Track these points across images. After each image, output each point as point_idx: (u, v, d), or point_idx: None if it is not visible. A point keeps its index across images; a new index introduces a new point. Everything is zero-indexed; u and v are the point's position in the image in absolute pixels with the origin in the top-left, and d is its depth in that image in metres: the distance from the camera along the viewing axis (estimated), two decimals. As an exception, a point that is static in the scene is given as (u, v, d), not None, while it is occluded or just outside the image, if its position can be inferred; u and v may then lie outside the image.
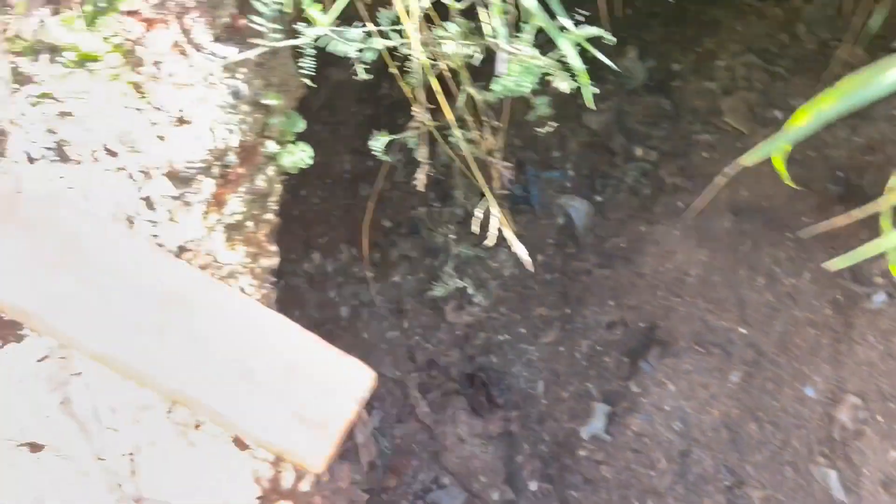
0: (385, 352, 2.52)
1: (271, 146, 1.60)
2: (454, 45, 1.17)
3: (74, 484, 1.33)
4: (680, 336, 2.26)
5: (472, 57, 1.25)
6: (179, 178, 1.34)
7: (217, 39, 1.39)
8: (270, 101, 1.54)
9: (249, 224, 1.77)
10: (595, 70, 1.23)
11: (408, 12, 1.12)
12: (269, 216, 1.80)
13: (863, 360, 2.06)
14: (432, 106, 1.49)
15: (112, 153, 1.20)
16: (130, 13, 1.23)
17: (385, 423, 2.40)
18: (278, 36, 1.19)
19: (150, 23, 1.24)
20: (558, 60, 1.12)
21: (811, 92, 2.48)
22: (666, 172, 2.58)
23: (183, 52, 1.31)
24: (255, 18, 1.13)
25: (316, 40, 1.12)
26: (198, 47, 1.34)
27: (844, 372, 2.07)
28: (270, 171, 1.69)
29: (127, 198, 1.24)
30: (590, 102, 1.14)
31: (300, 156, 1.63)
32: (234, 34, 1.46)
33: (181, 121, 1.30)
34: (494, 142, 1.62)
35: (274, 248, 1.90)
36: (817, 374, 2.09)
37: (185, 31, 1.31)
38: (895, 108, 2.38)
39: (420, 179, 1.47)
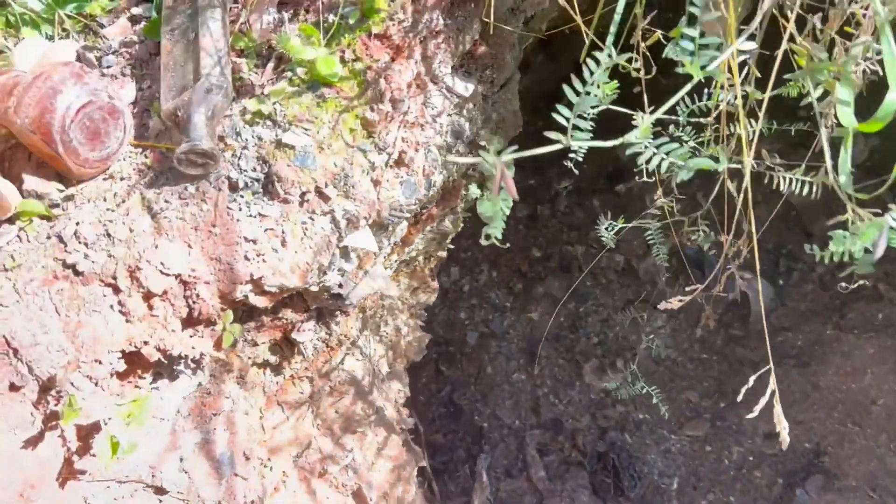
0: (507, 394, 2.31)
1: (473, 190, 1.39)
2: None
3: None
4: (850, 471, 1.97)
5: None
6: (382, 226, 1.14)
7: (456, 69, 1.18)
8: (489, 145, 1.33)
9: (420, 259, 1.58)
10: None
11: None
12: (442, 253, 1.60)
13: None
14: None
15: (324, 197, 1.01)
16: (378, 36, 1.02)
17: (491, 470, 2.20)
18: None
19: (397, 51, 1.03)
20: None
21: None
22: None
23: (421, 87, 1.10)
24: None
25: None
26: (436, 80, 1.12)
27: None
28: (459, 210, 1.49)
29: (325, 246, 1.05)
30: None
31: (500, 203, 1.41)
32: (472, 63, 1.25)
33: (400, 163, 1.10)
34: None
35: (435, 284, 1.71)
36: None
37: (427, 60, 1.10)
38: None
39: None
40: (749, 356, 2.23)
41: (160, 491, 1.13)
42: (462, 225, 1.54)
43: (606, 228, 1.22)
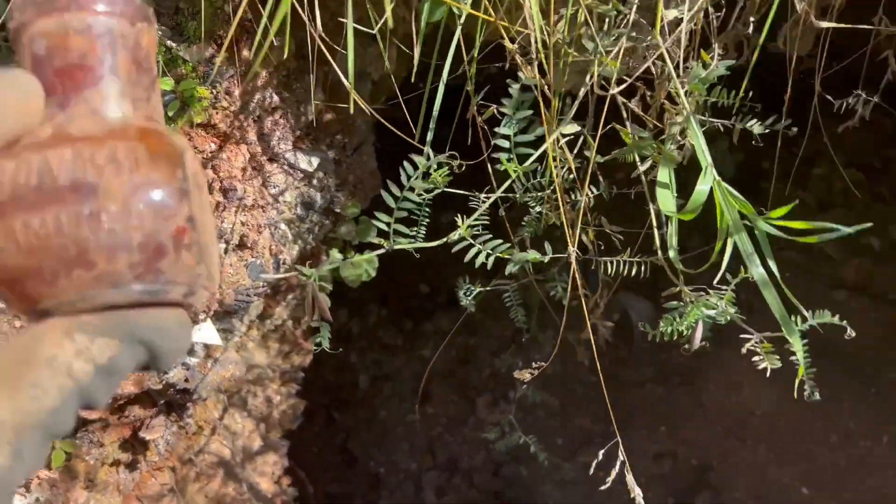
0: (402, 437, 2.29)
1: (335, 256, 1.35)
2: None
3: None
4: (734, 484, 2.03)
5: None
6: (230, 312, 1.09)
7: (300, 142, 1.14)
8: (345, 211, 1.29)
9: (289, 323, 1.53)
10: None
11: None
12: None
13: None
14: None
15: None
16: (202, 126, 0.97)
17: (390, 515, 2.17)
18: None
19: (224, 138, 0.98)
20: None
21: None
22: (739, 290, 2.33)
23: (258, 168, 1.05)
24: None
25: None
26: (275, 158, 1.08)
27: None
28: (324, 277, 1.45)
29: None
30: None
31: (365, 268, 1.38)
32: (319, 133, 1.21)
33: (242, 247, 1.05)
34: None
35: (309, 344, 1.66)
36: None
37: (264, 139, 1.05)
38: None
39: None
40: (635, 377, 2.28)
41: None
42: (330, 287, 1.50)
43: (465, 293, 1.21)
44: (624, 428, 2.20)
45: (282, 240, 1.12)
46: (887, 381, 2.11)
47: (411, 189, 0.82)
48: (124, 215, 0.32)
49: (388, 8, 0.79)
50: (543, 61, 0.82)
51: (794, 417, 2.09)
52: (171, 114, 0.95)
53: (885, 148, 2.46)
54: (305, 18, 0.83)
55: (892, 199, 2.40)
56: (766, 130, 0.89)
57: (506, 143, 0.78)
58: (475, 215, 0.80)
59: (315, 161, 1.14)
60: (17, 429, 0.29)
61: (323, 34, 0.84)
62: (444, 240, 0.85)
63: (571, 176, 0.94)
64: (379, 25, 0.81)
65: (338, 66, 0.90)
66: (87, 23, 0.35)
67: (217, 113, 0.97)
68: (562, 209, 0.92)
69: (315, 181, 1.19)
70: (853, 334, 0.84)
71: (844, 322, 0.86)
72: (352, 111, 0.87)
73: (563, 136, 0.83)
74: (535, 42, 0.80)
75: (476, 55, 0.88)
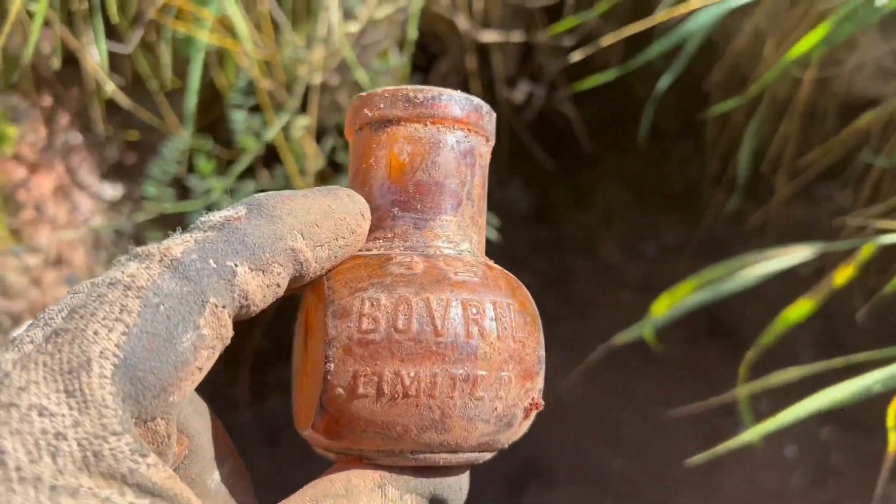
0: (258, 482, 2.43)
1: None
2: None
3: None
4: (559, 467, 2.30)
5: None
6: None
7: (105, 177, 1.37)
8: (152, 237, 1.52)
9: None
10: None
11: (302, 172, 1.15)
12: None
13: (728, 493, 2.16)
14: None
15: (-20, 300, 1.15)
16: (14, 157, 1.20)
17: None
18: (169, 203, 1.18)
19: (32, 168, 1.21)
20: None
21: (680, 227, 2.65)
22: (546, 301, 2.68)
23: (66, 194, 1.28)
24: (147, 187, 1.12)
25: (208, 206, 1.12)
26: (81, 187, 1.31)
27: (712, 502, 2.16)
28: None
29: (-8, 345, 1.17)
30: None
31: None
32: (121, 172, 1.45)
33: (60, 262, 1.26)
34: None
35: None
36: (687, 507, 2.17)
37: (71, 172, 1.28)
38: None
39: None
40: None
41: None
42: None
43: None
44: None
45: (97, 260, 1.34)
46: (671, 360, 2.47)
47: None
48: (495, 384, 0.29)
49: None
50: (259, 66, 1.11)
51: (599, 402, 2.40)
52: (-16, 148, 1.17)
53: (651, 172, 2.94)
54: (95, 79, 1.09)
55: (660, 212, 2.85)
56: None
57: (239, 125, 1.05)
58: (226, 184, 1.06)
59: (119, 192, 1.37)
60: None
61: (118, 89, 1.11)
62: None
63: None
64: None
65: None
66: (456, 137, 0.32)
67: (25, 146, 1.20)
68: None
69: (121, 210, 1.42)
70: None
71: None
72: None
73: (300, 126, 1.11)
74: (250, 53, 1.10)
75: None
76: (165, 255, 0.27)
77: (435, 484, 0.32)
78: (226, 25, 1.06)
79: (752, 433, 0.72)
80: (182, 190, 1.20)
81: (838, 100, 1.17)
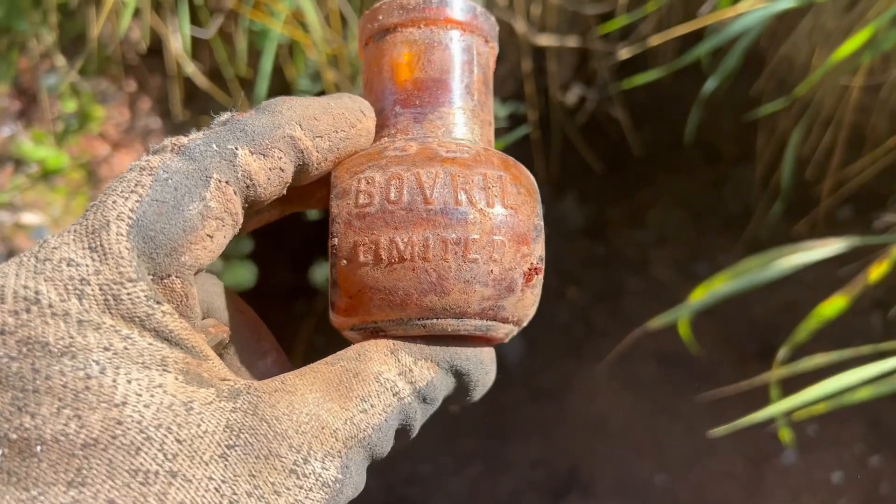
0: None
1: (216, 263, 1.65)
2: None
3: None
4: (600, 479, 2.31)
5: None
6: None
7: (178, 163, 1.47)
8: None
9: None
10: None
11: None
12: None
13: (771, 514, 2.13)
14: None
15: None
16: (99, 136, 1.30)
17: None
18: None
19: (116, 146, 1.32)
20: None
21: (736, 249, 2.65)
22: (595, 316, 2.70)
23: (144, 173, 1.38)
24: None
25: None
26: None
27: (754, 526, 2.13)
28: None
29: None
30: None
31: (244, 275, 1.68)
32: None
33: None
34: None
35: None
36: (729, 527, 2.15)
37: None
38: (808, 274, 2.57)
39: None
40: (509, 400, 2.57)
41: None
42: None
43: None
44: (503, 444, 2.49)
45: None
46: (720, 380, 2.45)
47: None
48: (488, 247, 0.31)
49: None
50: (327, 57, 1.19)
51: (645, 417, 2.41)
52: (75, 127, 1.28)
53: (706, 192, 2.94)
54: (181, 65, 1.19)
55: (715, 233, 2.85)
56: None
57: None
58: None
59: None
60: (347, 441, 0.28)
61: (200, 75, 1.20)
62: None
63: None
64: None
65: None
66: (450, 36, 0.35)
67: (110, 127, 1.31)
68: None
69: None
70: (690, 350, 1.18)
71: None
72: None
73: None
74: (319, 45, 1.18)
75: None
76: (175, 144, 0.30)
77: (451, 354, 0.32)
78: (298, 19, 1.15)
79: (769, 411, 0.75)
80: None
81: (888, 108, 1.19)
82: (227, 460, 0.26)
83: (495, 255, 0.31)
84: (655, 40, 0.99)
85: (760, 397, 2.08)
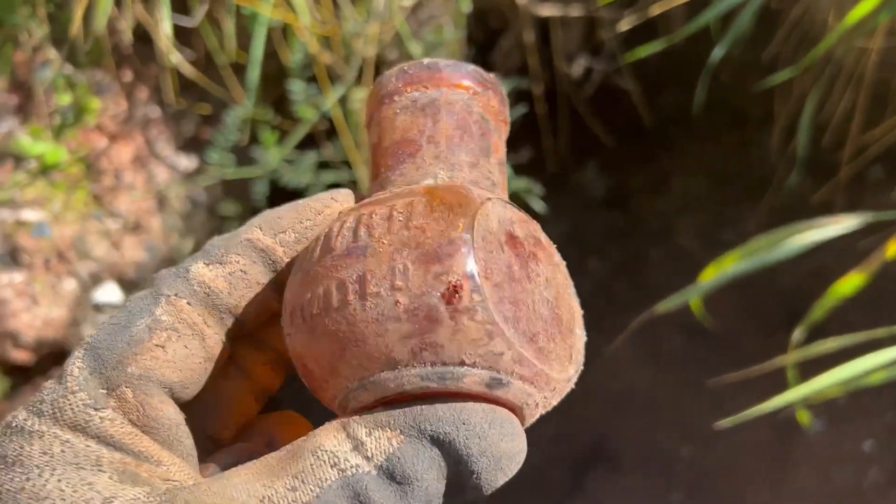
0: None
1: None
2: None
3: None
4: (625, 453, 2.29)
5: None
6: (134, 284, 1.37)
7: (180, 150, 1.46)
8: (227, 211, 1.59)
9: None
10: (554, 180, 1.30)
11: (357, 145, 1.19)
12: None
13: (800, 485, 2.10)
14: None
15: (66, 260, 1.24)
16: (97, 128, 1.28)
17: None
18: (230, 169, 1.25)
19: (114, 137, 1.30)
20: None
21: (761, 214, 2.58)
22: (618, 287, 2.65)
23: (143, 163, 1.36)
24: (210, 153, 1.19)
25: (269, 174, 1.18)
26: (158, 158, 1.39)
27: (782, 496, 2.10)
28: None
29: (76, 302, 1.27)
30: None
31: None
32: (196, 145, 1.53)
33: (138, 229, 1.35)
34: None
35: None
36: (756, 498, 2.12)
37: (148, 143, 1.37)
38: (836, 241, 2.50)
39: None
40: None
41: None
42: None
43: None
44: (526, 418, 2.48)
45: (173, 228, 1.42)
46: (747, 351, 2.41)
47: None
48: (389, 275, 0.27)
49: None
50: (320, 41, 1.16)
51: (669, 390, 2.37)
52: (72, 120, 1.27)
53: (729, 157, 2.87)
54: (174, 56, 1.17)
55: (740, 199, 2.78)
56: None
57: (299, 96, 1.10)
58: (287, 149, 1.11)
59: (194, 164, 1.45)
60: None
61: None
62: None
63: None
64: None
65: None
66: (413, 96, 0.35)
67: (107, 118, 1.29)
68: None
69: (196, 181, 1.50)
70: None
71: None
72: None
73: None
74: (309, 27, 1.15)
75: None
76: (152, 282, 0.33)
77: (415, 415, 0.27)
78: (288, 1, 1.11)
79: (782, 399, 0.72)
80: (246, 159, 1.26)
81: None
82: None
83: (398, 283, 0.27)
84: (658, 9, 0.94)
85: (784, 371, 2.03)
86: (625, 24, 1.01)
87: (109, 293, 1.30)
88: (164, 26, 1.09)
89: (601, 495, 2.22)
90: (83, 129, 1.27)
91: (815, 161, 1.91)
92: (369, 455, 0.27)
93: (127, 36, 1.12)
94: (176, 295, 0.31)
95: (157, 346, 0.30)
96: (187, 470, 0.30)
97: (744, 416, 0.83)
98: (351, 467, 0.27)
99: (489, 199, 0.30)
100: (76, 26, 1.03)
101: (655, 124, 2.86)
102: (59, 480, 0.27)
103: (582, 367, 0.33)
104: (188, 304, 0.31)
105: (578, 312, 0.33)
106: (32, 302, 1.21)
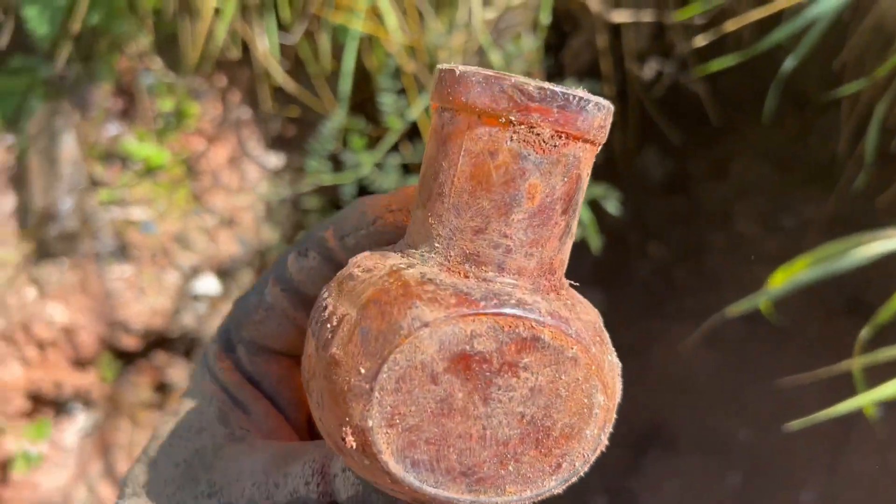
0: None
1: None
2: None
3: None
4: (682, 435, 2.34)
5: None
6: (228, 274, 1.48)
7: (268, 149, 1.55)
8: (308, 207, 1.69)
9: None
10: (613, 166, 1.36)
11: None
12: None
13: (857, 471, 2.13)
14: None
15: (169, 254, 1.35)
16: (196, 132, 1.38)
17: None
18: (327, 175, 1.33)
19: (211, 139, 1.40)
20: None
21: (822, 200, 2.58)
22: (677, 272, 2.69)
23: (237, 163, 1.46)
24: (309, 161, 1.27)
25: (359, 178, 1.26)
26: (251, 158, 1.49)
27: (839, 482, 2.14)
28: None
29: (177, 293, 1.37)
30: (595, 250, 1.27)
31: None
32: (282, 144, 1.62)
33: (231, 223, 1.45)
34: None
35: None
36: (813, 482, 2.16)
37: (241, 144, 1.46)
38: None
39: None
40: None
41: (73, 514, 1.40)
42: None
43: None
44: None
45: (262, 222, 1.52)
46: (806, 337, 2.43)
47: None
48: (314, 396, 0.28)
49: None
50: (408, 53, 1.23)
51: (728, 374, 2.42)
52: (173, 124, 1.36)
53: (791, 142, 2.86)
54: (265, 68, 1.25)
55: (801, 185, 2.78)
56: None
57: (388, 107, 1.17)
58: (378, 156, 1.18)
59: (281, 162, 1.55)
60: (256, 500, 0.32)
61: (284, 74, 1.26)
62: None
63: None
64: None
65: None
66: (436, 124, 0.29)
67: (205, 122, 1.38)
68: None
69: (283, 178, 1.59)
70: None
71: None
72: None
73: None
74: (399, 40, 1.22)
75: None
76: None
77: None
78: (377, 14, 1.18)
79: (852, 403, 0.77)
80: (336, 163, 1.34)
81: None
82: (178, 469, 0.34)
83: (318, 406, 0.27)
84: (731, 26, 0.99)
85: (847, 356, 2.06)
86: (700, 41, 1.06)
87: (207, 284, 1.41)
88: (263, 41, 1.18)
89: (657, 476, 2.28)
90: (184, 132, 1.37)
91: (881, 160, 1.92)
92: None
93: (233, 52, 1.20)
94: (275, 278, 0.36)
95: (258, 320, 0.36)
96: (271, 420, 0.36)
97: (813, 419, 0.89)
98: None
99: (432, 321, 0.25)
100: (191, 43, 1.12)
101: (717, 112, 2.86)
102: (191, 399, 0.37)
103: (585, 470, 0.31)
104: (281, 289, 0.36)
105: (601, 407, 0.30)
106: (140, 293, 1.32)
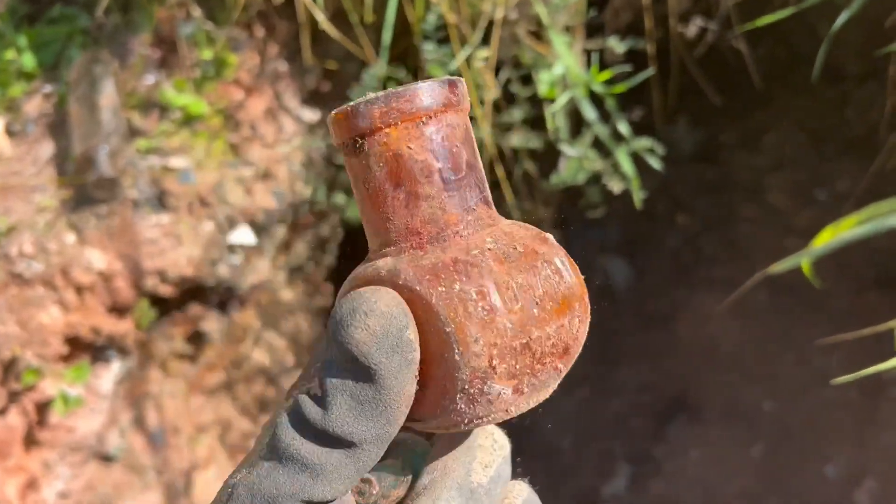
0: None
1: (339, 199, 1.74)
2: (518, 137, 1.29)
3: (137, 492, 1.47)
4: (708, 405, 2.34)
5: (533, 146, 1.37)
6: (262, 228, 1.48)
7: (304, 103, 1.54)
8: (341, 162, 1.68)
9: (309, 266, 1.91)
10: (645, 133, 1.35)
11: (481, 102, 1.25)
12: (330, 259, 1.94)
13: (885, 444, 2.12)
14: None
15: (206, 204, 1.35)
16: (234, 82, 1.38)
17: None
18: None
19: (249, 91, 1.39)
20: (612, 165, 1.25)
21: (857, 173, 2.55)
22: (706, 242, 2.67)
23: (274, 115, 1.46)
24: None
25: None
26: (286, 110, 1.48)
27: (866, 455, 2.13)
28: (334, 219, 1.84)
29: (213, 242, 1.38)
30: (638, 204, 1.26)
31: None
32: (318, 98, 1.61)
33: (267, 176, 1.45)
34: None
35: (330, 287, 2.04)
36: (839, 455, 2.15)
37: (277, 96, 1.46)
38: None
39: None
40: (618, 325, 2.61)
41: (107, 458, 1.42)
42: (341, 231, 1.88)
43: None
44: (611, 368, 2.54)
45: (297, 175, 1.52)
46: (835, 309, 2.41)
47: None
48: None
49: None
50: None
51: (756, 344, 2.40)
52: (211, 74, 1.36)
53: (827, 114, 2.81)
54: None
55: (836, 158, 2.73)
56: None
57: (431, 55, 1.16)
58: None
59: (316, 116, 1.54)
60: None
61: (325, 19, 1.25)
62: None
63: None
64: None
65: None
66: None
67: (243, 72, 1.38)
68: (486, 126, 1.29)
69: (318, 133, 1.59)
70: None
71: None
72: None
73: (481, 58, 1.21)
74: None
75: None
76: None
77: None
78: (419, -37, 1.17)
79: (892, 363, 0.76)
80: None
81: None
82: None
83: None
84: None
85: (882, 330, 2.04)
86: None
87: (243, 235, 1.41)
88: (306, -12, 1.17)
89: (682, 444, 2.28)
90: (222, 82, 1.37)
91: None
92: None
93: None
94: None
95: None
96: None
97: (854, 377, 0.88)
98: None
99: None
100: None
101: (761, 85, 2.81)
102: None
103: None
104: None
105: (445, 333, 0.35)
106: (177, 242, 1.32)
